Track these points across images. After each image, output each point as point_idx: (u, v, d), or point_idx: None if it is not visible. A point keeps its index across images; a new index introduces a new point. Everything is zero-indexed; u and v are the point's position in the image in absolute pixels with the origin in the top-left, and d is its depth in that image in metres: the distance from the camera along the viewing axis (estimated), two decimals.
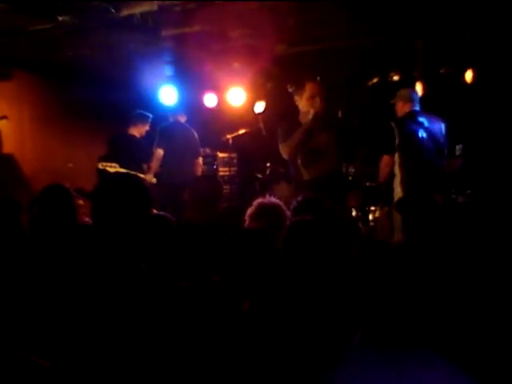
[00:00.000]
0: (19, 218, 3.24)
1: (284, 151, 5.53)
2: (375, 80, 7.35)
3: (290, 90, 6.43)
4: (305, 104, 5.53)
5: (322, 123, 5.47)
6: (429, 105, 6.00)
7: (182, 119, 7.73)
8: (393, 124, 5.72)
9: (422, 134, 5.70)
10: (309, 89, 5.54)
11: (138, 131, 7.55)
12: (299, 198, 4.00)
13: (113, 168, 6.84)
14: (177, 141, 7.40)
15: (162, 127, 7.48)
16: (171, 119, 7.69)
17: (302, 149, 5.47)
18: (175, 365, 1.89)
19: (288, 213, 3.95)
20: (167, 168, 7.29)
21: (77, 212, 3.46)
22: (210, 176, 8.57)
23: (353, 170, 7.22)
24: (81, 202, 4.85)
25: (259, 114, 8.32)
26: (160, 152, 7.32)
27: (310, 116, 5.40)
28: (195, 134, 7.66)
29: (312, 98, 5.49)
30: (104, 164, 6.91)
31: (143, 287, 1.99)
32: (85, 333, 2.01)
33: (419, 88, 6.70)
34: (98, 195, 2.06)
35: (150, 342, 1.93)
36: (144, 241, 2.06)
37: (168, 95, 7.70)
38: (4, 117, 7.07)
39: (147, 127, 7.62)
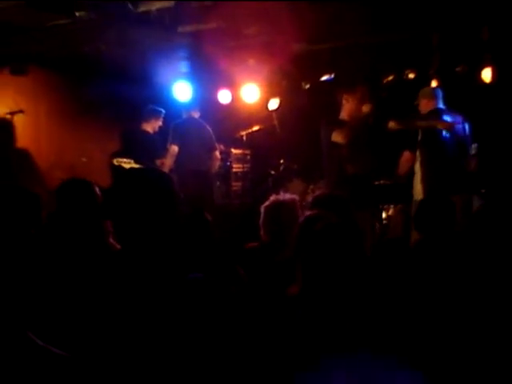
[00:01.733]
0: (40, 212, 3.26)
1: (341, 137, 5.53)
2: (390, 78, 7.33)
3: (305, 88, 6.46)
4: (355, 105, 5.65)
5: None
6: (445, 103, 5.98)
7: (196, 115, 7.74)
8: None
9: (445, 132, 5.67)
10: (360, 92, 5.70)
11: (150, 127, 7.56)
12: (316, 193, 4.02)
13: (128, 164, 6.85)
14: (191, 137, 7.40)
15: (176, 124, 7.49)
16: (185, 115, 7.70)
17: (353, 144, 5.58)
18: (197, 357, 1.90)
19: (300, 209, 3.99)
20: (183, 164, 7.29)
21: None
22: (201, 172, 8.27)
23: None
24: None
25: (273, 110, 8.32)
26: (174, 148, 7.32)
27: (367, 111, 5.66)
28: (209, 128, 7.66)
29: (363, 100, 5.67)
30: (119, 160, 6.91)
31: (161, 284, 1.99)
32: (102, 326, 2.02)
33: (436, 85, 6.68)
34: (119, 190, 2.06)
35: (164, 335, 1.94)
36: (172, 237, 2.06)
37: (182, 91, 7.73)
38: (20, 111, 7.10)
39: (160, 122, 7.63)
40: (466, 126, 5.86)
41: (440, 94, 5.91)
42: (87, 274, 2.41)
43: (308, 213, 3.41)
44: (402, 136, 5.94)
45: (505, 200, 5.57)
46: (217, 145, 7.81)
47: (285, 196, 4.08)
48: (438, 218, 3.73)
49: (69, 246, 2.94)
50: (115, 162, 6.88)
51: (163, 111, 7.65)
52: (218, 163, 7.87)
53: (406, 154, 5.83)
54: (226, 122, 8.49)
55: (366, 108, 5.63)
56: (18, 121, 7.17)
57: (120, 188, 2.08)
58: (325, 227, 2.95)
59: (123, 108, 7.69)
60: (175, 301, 1.92)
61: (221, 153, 8.32)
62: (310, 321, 2.51)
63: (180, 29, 6.25)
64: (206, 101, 8.03)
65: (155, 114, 7.62)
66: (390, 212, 7.13)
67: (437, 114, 5.76)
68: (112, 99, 7.50)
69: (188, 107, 7.73)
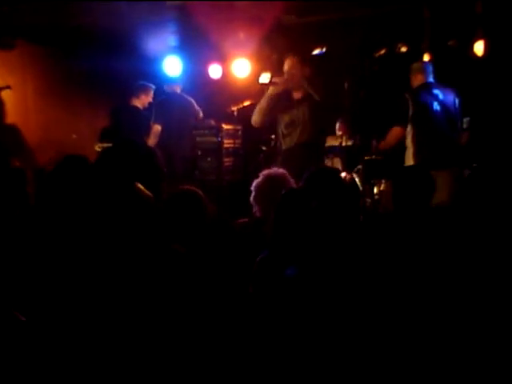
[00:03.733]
0: (26, 189, 3.21)
1: (252, 119, 6.07)
2: (382, 51, 7.27)
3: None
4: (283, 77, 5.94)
5: (301, 97, 5.87)
6: (436, 77, 5.97)
7: (178, 89, 7.63)
8: (407, 95, 5.72)
9: (436, 106, 5.70)
10: (286, 64, 5.93)
11: (140, 102, 7.48)
12: (312, 169, 4.00)
13: None
14: (174, 113, 7.30)
15: (158, 101, 7.39)
16: (167, 90, 7.59)
17: (282, 120, 5.93)
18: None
19: (293, 183, 3.97)
20: (167, 142, 7.19)
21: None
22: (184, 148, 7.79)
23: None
24: None
25: (264, 85, 8.23)
26: (158, 128, 7.22)
27: (267, 81, 6.05)
28: (193, 102, 7.55)
29: (288, 72, 5.89)
30: (100, 145, 6.85)
31: (146, 255, 1.97)
32: (89, 302, 2.00)
33: (426, 60, 6.65)
34: (104, 163, 2.02)
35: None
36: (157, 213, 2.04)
37: (172, 66, 7.63)
38: (7, 87, 7.01)
39: (150, 98, 7.55)
40: (457, 100, 5.86)
41: (429, 68, 5.95)
42: (79, 250, 2.39)
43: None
44: (392, 111, 5.93)
45: (495, 174, 5.59)
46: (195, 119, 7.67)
47: (275, 170, 4.08)
48: (413, 193, 3.67)
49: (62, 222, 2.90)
50: (97, 147, 6.82)
51: (153, 86, 7.56)
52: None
53: (396, 129, 5.85)
54: (217, 97, 8.40)
55: (291, 78, 5.81)
56: (5, 96, 7.08)
57: (104, 162, 2.05)
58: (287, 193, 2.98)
59: (112, 83, 7.61)
60: (158, 271, 1.90)
61: (211, 128, 8.24)
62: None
63: (169, 2, 6.16)
64: (196, 75, 7.94)
65: (145, 90, 7.52)
66: (382, 187, 7.10)
67: (427, 87, 5.77)
68: (101, 74, 7.41)
69: (170, 82, 7.61)
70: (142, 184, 2.01)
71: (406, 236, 3.12)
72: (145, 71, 7.69)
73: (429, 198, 3.63)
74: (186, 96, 7.59)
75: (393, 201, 3.83)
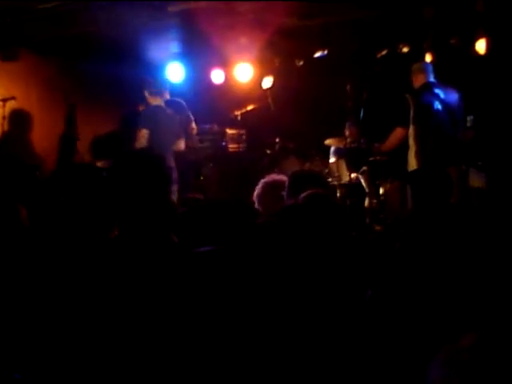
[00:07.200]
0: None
1: None
2: (384, 52, 7.28)
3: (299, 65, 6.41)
4: None
5: None
6: (439, 76, 5.98)
7: (166, 96, 7.41)
8: (408, 96, 5.73)
9: (437, 105, 5.72)
10: None
11: None
12: (293, 174, 4.04)
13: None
14: (162, 119, 6.83)
15: (146, 109, 7.02)
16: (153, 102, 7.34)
17: None
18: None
19: None
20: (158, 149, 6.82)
21: None
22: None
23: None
24: None
25: (267, 89, 8.26)
26: (144, 131, 6.78)
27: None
28: (181, 102, 7.12)
29: None
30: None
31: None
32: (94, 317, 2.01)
33: (429, 59, 6.66)
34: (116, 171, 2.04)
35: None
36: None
37: (175, 72, 7.65)
38: (12, 97, 7.02)
39: None
40: (459, 99, 5.88)
41: (430, 68, 5.98)
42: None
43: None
44: (394, 112, 5.95)
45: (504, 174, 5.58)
46: (192, 117, 7.24)
47: (273, 177, 4.16)
48: (434, 189, 3.66)
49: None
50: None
51: None
52: (182, 145, 7.32)
53: (398, 130, 5.86)
54: (220, 102, 8.42)
55: None
56: (10, 107, 7.10)
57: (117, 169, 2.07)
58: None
59: (116, 91, 7.62)
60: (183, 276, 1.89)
61: (215, 133, 8.24)
62: None
63: (170, 8, 6.18)
64: (199, 81, 7.96)
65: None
66: (387, 187, 7.11)
67: (428, 87, 5.78)
68: (104, 82, 7.43)
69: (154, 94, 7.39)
70: (152, 190, 2.02)
71: (435, 235, 3.09)
72: (148, 78, 7.67)
73: (450, 196, 3.63)
74: (176, 101, 7.31)
75: (414, 202, 3.79)
